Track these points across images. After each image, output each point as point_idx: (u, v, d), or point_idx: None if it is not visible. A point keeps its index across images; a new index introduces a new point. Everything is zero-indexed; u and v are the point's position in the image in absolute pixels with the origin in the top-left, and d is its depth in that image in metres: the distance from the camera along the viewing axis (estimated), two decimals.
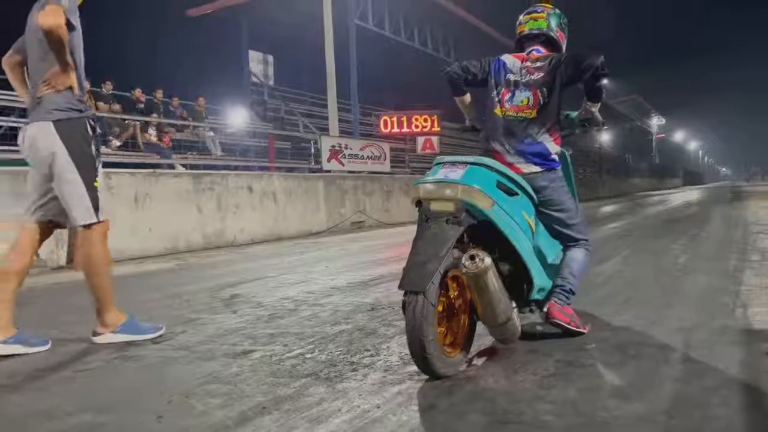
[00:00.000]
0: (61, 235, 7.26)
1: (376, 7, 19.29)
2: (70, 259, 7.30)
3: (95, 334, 3.26)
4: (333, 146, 12.75)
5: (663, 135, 74.47)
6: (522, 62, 3.07)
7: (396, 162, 16.86)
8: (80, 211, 3.13)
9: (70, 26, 3.02)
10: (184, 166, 12.50)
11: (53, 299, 5.14)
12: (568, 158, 3.24)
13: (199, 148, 13.82)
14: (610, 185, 37.85)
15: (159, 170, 9.34)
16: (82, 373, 2.70)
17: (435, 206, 2.59)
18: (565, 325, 2.79)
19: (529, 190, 2.84)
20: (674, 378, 2.28)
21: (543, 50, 3.09)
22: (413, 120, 17.64)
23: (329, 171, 12.70)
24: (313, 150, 13.24)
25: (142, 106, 12.86)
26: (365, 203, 13.51)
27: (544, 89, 2.93)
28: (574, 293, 2.89)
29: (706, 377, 2.26)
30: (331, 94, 13.79)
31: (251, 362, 2.72)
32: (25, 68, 3.29)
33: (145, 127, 12.43)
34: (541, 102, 2.94)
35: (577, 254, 3.02)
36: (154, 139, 12.58)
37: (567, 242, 3.08)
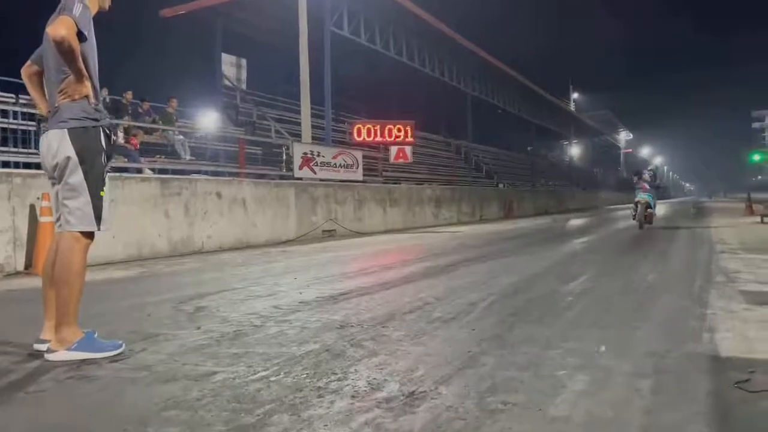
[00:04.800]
0: (20, 239, 7.01)
1: (351, 15, 19.24)
2: (28, 265, 7.05)
3: (49, 350, 3.11)
4: (305, 153, 12.64)
5: (630, 149, 75.99)
6: None
7: (368, 170, 16.80)
8: (79, 216, 3.14)
9: (81, 36, 3.04)
10: (151, 169, 12.24)
11: (4, 308, 4.93)
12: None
13: (167, 152, 13.55)
14: (580, 198, 38.38)
15: (125, 174, 9.11)
16: (32, 396, 2.55)
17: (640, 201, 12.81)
18: None
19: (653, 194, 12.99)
20: (645, 409, 2.25)
21: None
22: (387, 129, 17.61)
23: (300, 178, 12.57)
24: (284, 156, 13.08)
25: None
26: (337, 212, 13.42)
27: None
28: None
29: (678, 410, 2.24)
30: (304, 101, 13.67)
31: (213, 385, 2.61)
32: (42, 78, 3.36)
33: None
34: None
35: None
36: (121, 141, 12.28)
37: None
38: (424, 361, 2.96)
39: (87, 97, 3.15)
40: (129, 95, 13.12)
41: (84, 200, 3.14)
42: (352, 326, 3.78)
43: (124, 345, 3.24)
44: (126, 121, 12.43)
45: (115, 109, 12.79)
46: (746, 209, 20.16)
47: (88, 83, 3.14)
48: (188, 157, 14.34)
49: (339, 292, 5.18)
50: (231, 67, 20.50)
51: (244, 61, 21.06)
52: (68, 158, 3.11)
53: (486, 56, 27.40)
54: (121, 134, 12.46)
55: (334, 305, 4.58)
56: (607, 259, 7.65)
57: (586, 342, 3.28)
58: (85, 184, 3.13)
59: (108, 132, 3.28)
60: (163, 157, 13.36)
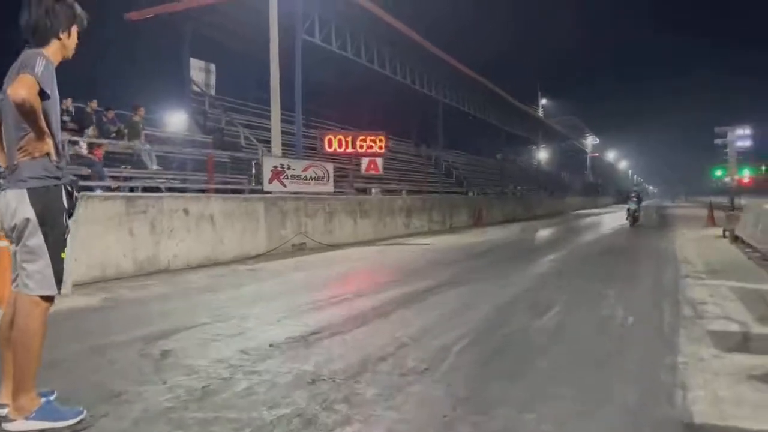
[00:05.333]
0: None
1: (323, 23, 19.10)
2: None
3: (7, 418, 2.96)
4: (275, 166, 12.47)
5: (597, 153, 77.33)
6: None
7: (339, 177, 16.66)
8: (38, 280, 2.99)
9: (44, 95, 2.88)
10: (116, 178, 11.94)
11: None
12: None
13: (133, 162, 13.22)
14: (547, 204, 38.84)
15: (89, 193, 8.83)
16: None
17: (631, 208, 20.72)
18: None
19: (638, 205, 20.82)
20: None
21: None
22: (358, 140, 17.53)
23: (270, 192, 12.40)
24: (254, 170, 12.88)
25: (67, 119, 12.16)
26: (307, 225, 13.28)
27: None
28: None
29: None
30: (275, 112, 13.49)
31: None
32: (1, 132, 3.14)
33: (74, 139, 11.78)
34: None
35: None
36: (84, 151, 11.94)
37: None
38: (398, 430, 2.90)
39: (48, 154, 2.99)
40: (93, 104, 12.79)
41: (44, 263, 2.99)
42: (324, 380, 3.69)
43: (85, 412, 3.09)
44: (90, 136, 12.07)
45: (79, 119, 12.45)
46: (708, 220, 20.65)
47: (49, 140, 2.98)
48: (155, 167, 14.03)
49: (310, 331, 5.08)
50: (200, 72, 20.15)
51: (213, 66, 20.72)
52: (27, 220, 2.95)
53: (456, 64, 27.51)
54: (83, 144, 12.16)
55: (305, 349, 4.48)
56: (576, 286, 7.68)
57: (561, 404, 3.26)
58: (45, 248, 2.98)
59: (70, 189, 3.12)
60: (129, 167, 13.05)
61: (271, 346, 4.59)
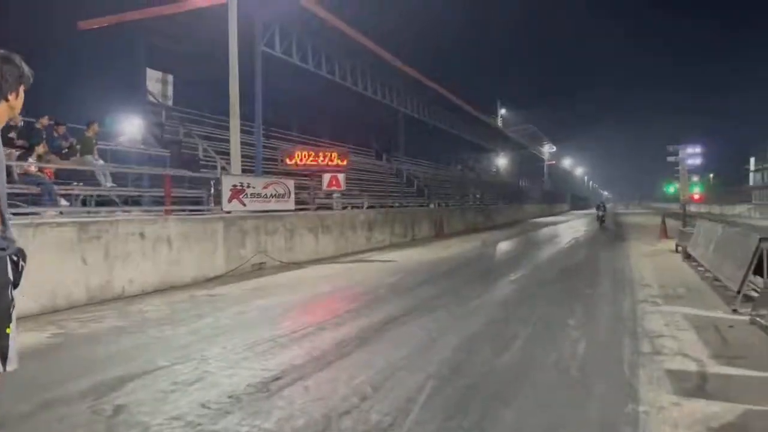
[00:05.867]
0: None
1: (284, 35, 18.94)
2: None
3: None
4: (235, 185, 12.24)
5: (554, 161, 78.85)
6: None
7: (300, 190, 16.47)
8: None
9: None
10: (67, 198, 11.53)
11: None
12: None
13: (86, 179, 12.79)
14: (506, 213, 39.37)
15: (38, 219, 8.49)
16: None
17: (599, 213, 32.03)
18: None
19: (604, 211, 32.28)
20: None
21: None
22: (320, 156, 17.40)
23: (229, 212, 12.17)
24: (212, 190, 12.62)
25: (14, 135, 11.65)
26: (267, 243, 13.09)
27: None
28: None
29: None
30: (234, 128, 13.26)
31: None
32: None
33: (23, 156, 11.32)
34: None
35: None
36: (33, 169, 11.48)
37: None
38: None
39: None
40: (44, 120, 12.28)
41: None
42: None
43: None
44: (40, 153, 11.59)
45: (28, 135, 11.94)
46: (661, 233, 21.22)
47: None
48: (109, 184, 13.63)
49: (272, 376, 4.95)
50: (156, 83, 19.76)
51: (170, 77, 20.34)
52: None
53: (417, 75, 27.68)
54: (33, 161, 11.69)
55: (267, 401, 4.36)
56: (538, 315, 7.74)
57: None
58: None
59: (16, 259, 2.94)
60: (81, 184, 12.63)
61: (231, 397, 4.46)
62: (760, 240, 7.40)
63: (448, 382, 4.83)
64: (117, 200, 14.09)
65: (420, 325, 7.02)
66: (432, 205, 28.51)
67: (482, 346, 5.98)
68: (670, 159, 21.19)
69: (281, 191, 13.55)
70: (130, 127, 18.07)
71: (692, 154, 21.37)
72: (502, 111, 55.72)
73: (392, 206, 21.71)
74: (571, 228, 31.47)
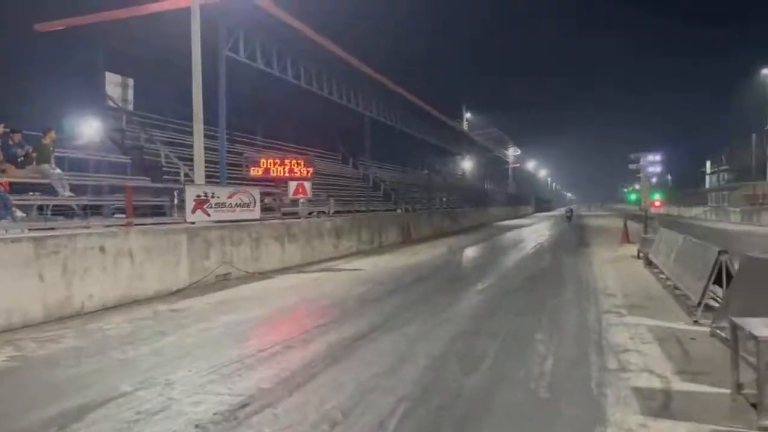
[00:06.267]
0: None
1: (248, 39, 18.69)
2: None
3: None
4: (199, 195, 12.00)
5: (518, 164, 79.89)
6: None
7: (264, 208, 16.28)
8: None
9: None
10: (23, 209, 11.15)
11: None
12: None
13: (43, 189, 12.38)
14: (473, 216, 39.71)
15: None
16: None
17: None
18: None
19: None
20: None
21: None
22: (285, 164, 17.24)
23: (193, 223, 11.93)
24: (175, 201, 12.36)
25: None
26: (232, 253, 12.89)
27: None
28: None
29: None
30: (198, 140, 13.00)
31: None
32: None
33: None
34: None
35: None
36: None
37: None
38: None
39: None
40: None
41: None
42: None
43: None
44: None
45: None
46: (623, 237, 21.66)
47: None
48: (67, 194, 13.23)
49: (239, 402, 4.85)
50: (116, 87, 19.31)
51: (130, 81, 19.89)
52: None
53: (383, 79, 27.68)
54: None
55: (235, 430, 4.26)
56: (506, 329, 7.78)
57: None
58: None
59: None
60: (38, 194, 12.23)
61: (197, 427, 4.34)
62: (719, 253, 7.58)
63: (420, 404, 4.80)
64: (76, 208, 13.71)
65: (389, 341, 6.97)
66: (399, 210, 28.54)
67: (452, 364, 5.97)
68: (632, 167, 21.72)
69: (246, 200, 13.36)
70: (88, 130, 17.61)
71: (653, 162, 21.95)
72: (468, 115, 56.18)
73: (359, 211, 21.64)
74: (535, 232, 31.91)
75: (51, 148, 13.31)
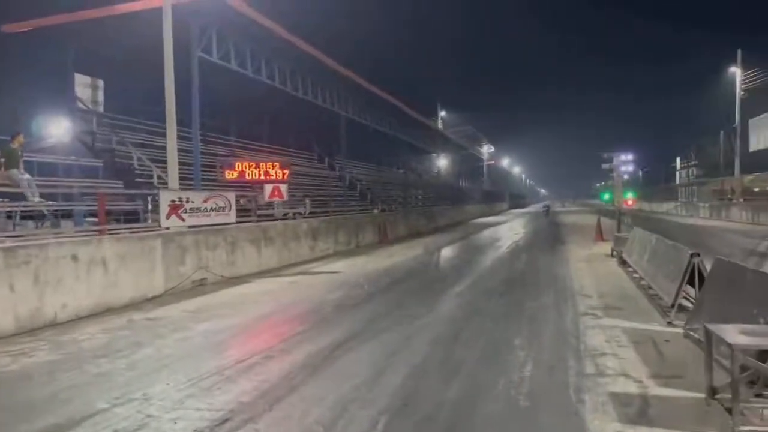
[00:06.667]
0: None
1: (221, 40, 18.46)
2: None
3: None
4: (173, 201, 11.84)
5: (493, 161, 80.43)
6: None
7: (240, 209, 16.14)
8: None
9: None
10: None
11: None
12: None
13: (12, 195, 12.11)
14: (449, 214, 39.90)
15: None
16: None
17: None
18: None
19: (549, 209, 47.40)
20: None
21: None
22: (261, 167, 17.11)
23: (168, 228, 11.77)
24: (149, 205, 12.18)
25: None
26: (208, 258, 12.75)
27: None
28: None
29: None
30: (171, 142, 12.80)
31: None
32: None
33: None
34: None
35: None
36: None
37: None
38: None
39: None
40: None
41: None
42: None
43: None
44: None
45: None
46: (597, 235, 21.97)
47: None
48: (37, 200, 12.96)
49: (218, 418, 4.79)
50: (85, 88, 18.92)
51: (100, 82, 19.52)
52: None
53: (358, 78, 27.59)
54: None
55: None
56: (485, 335, 7.84)
57: None
58: None
59: None
60: (6, 200, 11.97)
61: None
62: (692, 255, 7.73)
63: (401, 416, 4.81)
64: (46, 212, 13.44)
65: (368, 350, 6.96)
66: (376, 210, 28.54)
67: (432, 374, 5.98)
68: (605, 166, 22.05)
69: (222, 204, 13.22)
70: (57, 131, 17.25)
71: (625, 161, 22.32)
72: (442, 113, 56.41)
73: (335, 212, 21.56)
74: (511, 230, 32.19)
75: (19, 153, 13.01)
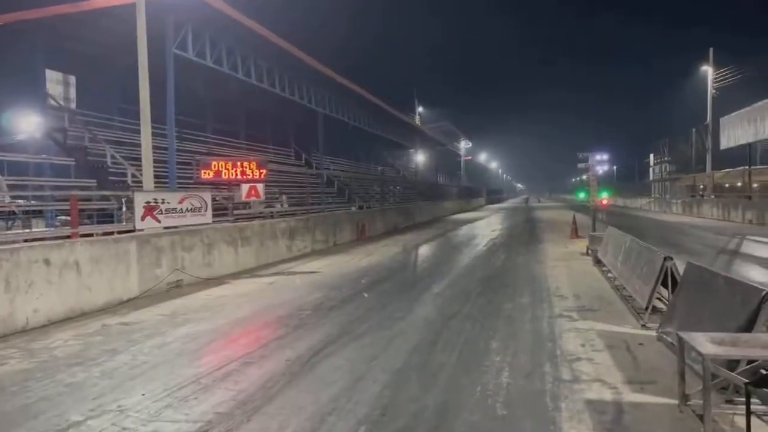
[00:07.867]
0: None
1: (196, 36, 18.25)
2: None
3: None
4: (148, 202, 11.68)
5: (470, 157, 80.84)
6: None
7: (216, 209, 15.99)
8: None
9: None
10: None
11: None
12: None
13: None
14: (426, 210, 39.98)
15: None
16: None
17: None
18: None
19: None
20: None
21: None
22: (237, 166, 16.96)
23: (143, 230, 11.61)
24: (124, 207, 12.00)
25: None
26: (184, 259, 12.62)
27: None
28: None
29: None
30: (146, 141, 12.61)
31: None
32: None
33: None
34: None
35: None
36: None
37: None
38: None
39: None
40: None
41: None
42: None
43: None
44: None
45: None
46: (572, 233, 22.23)
47: None
48: (7, 200, 12.73)
49: (197, 430, 4.76)
50: (57, 84, 18.56)
51: (73, 79, 19.17)
52: None
53: (335, 75, 27.50)
54: None
55: None
56: (463, 338, 7.89)
57: None
58: None
59: None
60: None
61: None
62: (665, 259, 7.86)
63: (380, 426, 4.82)
64: (17, 212, 13.19)
65: (346, 356, 6.95)
66: (354, 207, 28.50)
67: (410, 381, 6.00)
68: (581, 166, 22.35)
69: (198, 204, 13.08)
70: (27, 126, 16.91)
71: (600, 161, 22.64)
72: (420, 109, 56.51)
73: (312, 210, 21.47)
74: (488, 226, 32.38)
75: None
